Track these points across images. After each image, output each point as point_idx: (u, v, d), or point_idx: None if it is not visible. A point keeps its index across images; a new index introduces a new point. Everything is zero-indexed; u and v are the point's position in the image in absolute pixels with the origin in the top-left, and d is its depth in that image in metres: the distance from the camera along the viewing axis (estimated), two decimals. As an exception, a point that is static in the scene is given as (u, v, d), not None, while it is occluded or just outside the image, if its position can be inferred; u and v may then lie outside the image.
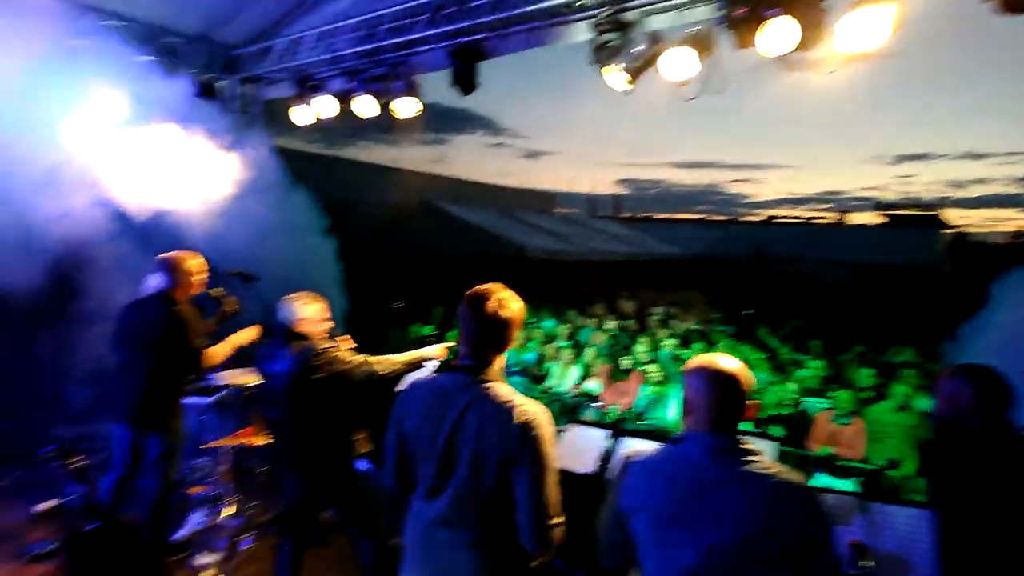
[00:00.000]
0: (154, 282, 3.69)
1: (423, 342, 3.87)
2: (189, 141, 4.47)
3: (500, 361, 2.02)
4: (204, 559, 3.80)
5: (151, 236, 4.98)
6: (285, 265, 5.15)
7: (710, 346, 7.27)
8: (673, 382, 5.83)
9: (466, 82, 4.54)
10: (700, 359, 1.77)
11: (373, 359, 3.07)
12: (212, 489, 4.32)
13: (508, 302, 2.00)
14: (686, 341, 7.58)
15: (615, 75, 4.13)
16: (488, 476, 1.85)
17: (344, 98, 5.09)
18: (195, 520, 4.21)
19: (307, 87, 5.24)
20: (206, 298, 3.90)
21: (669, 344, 7.26)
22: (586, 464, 3.19)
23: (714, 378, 1.67)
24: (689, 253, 19.07)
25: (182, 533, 4.05)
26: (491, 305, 1.97)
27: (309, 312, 3.13)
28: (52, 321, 5.25)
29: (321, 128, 5.64)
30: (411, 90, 4.75)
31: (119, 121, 4.32)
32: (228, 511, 4.27)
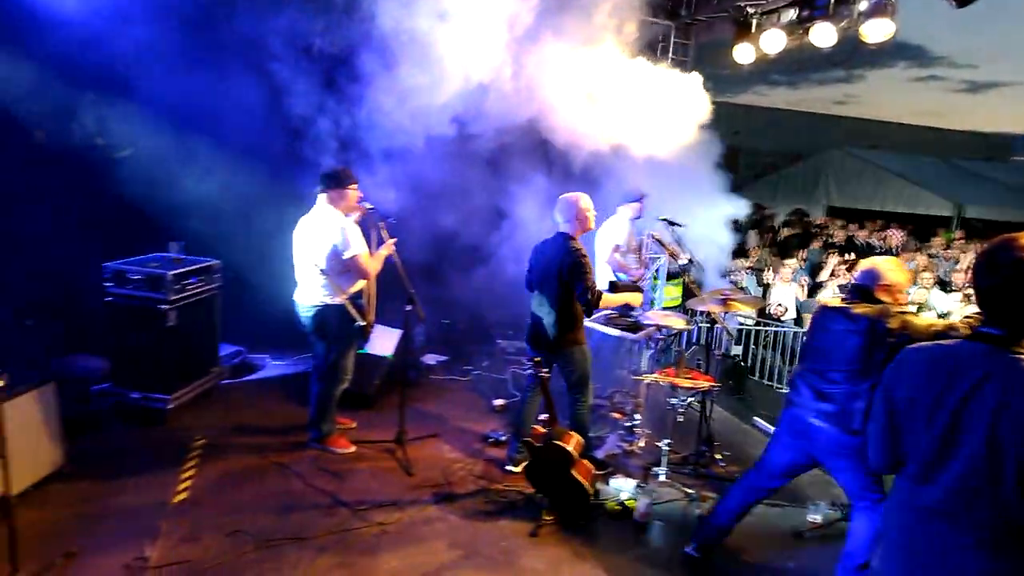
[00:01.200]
0: (559, 221, 3.98)
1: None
2: (644, 84, 4.66)
3: None
4: (619, 481, 4.11)
5: (574, 172, 5.44)
6: (682, 213, 5.09)
7: None
8: None
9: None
10: None
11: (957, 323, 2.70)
12: (629, 419, 4.65)
13: None
14: None
15: None
16: (1009, 464, 1.48)
17: (793, 30, 4.64)
18: (612, 442, 4.61)
19: (749, 23, 4.92)
20: None
21: None
22: None
23: None
24: None
25: (601, 452, 4.47)
26: (1021, 255, 1.55)
27: (895, 279, 2.90)
28: (487, 256, 6.20)
29: (710, 76, 5.27)
30: (883, 9, 4.00)
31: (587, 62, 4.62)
32: (640, 442, 4.56)
